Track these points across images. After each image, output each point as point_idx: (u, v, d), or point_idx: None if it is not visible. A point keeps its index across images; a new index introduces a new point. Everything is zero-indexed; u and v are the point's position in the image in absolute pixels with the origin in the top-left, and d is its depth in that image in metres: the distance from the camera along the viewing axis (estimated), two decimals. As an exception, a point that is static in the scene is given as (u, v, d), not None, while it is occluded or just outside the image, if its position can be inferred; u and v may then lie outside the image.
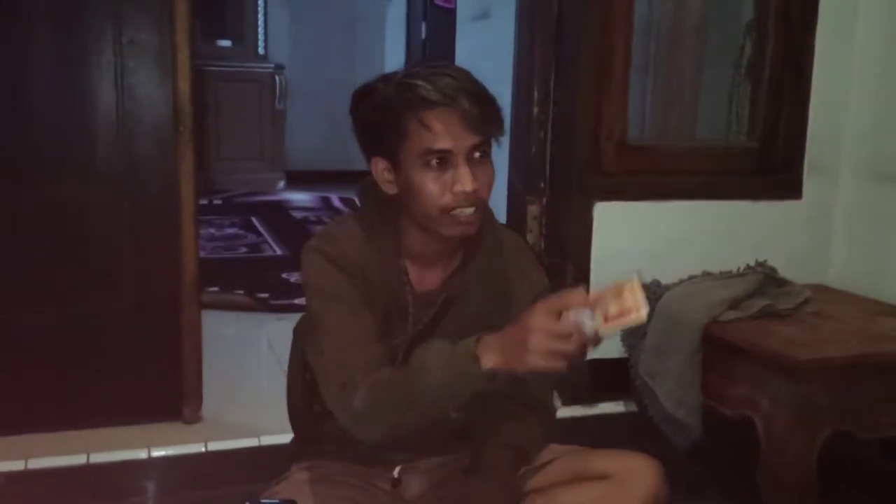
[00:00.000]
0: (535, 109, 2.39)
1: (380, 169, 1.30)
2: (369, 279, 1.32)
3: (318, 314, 1.31)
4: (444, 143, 1.22)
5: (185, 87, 2.09)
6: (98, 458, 2.02)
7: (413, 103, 1.22)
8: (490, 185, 1.28)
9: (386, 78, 1.28)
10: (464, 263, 1.38)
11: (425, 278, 1.37)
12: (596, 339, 1.13)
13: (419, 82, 1.23)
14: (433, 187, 1.24)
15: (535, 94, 2.39)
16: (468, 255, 1.38)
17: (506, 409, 1.42)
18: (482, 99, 1.24)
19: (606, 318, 1.11)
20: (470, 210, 1.26)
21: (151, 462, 2.05)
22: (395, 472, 1.43)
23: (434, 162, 1.23)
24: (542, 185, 2.42)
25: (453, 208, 1.25)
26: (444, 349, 1.22)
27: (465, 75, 1.26)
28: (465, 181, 1.23)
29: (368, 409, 1.23)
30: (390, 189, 1.30)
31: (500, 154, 2.57)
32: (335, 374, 1.26)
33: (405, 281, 1.34)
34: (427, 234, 1.31)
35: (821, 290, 2.39)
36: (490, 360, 1.17)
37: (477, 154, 1.25)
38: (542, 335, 1.11)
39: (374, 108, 1.27)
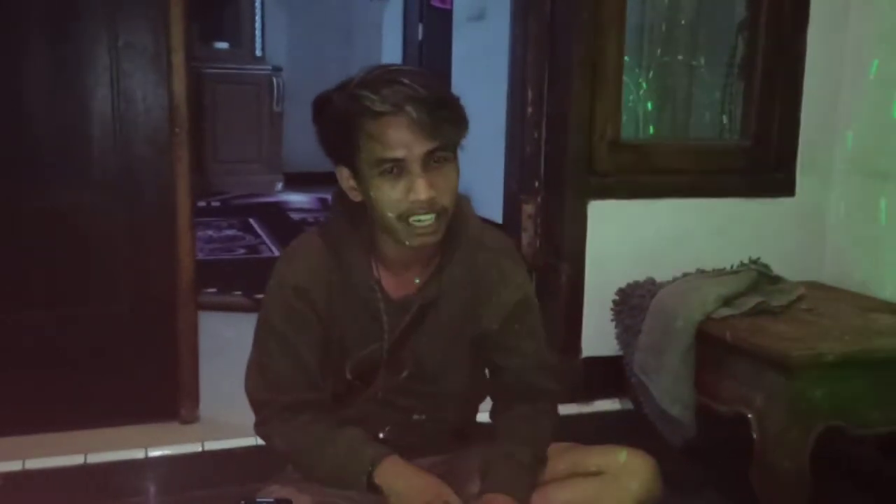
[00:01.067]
0: (530, 109, 2.40)
1: (344, 177, 1.30)
2: (331, 295, 1.34)
3: (259, 334, 1.41)
4: (395, 153, 1.21)
5: (180, 88, 2.09)
6: (95, 458, 2.02)
7: (362, 114, 1.21)
8: (452, 190, 1.26)
9: (341, 86, 1.27)
10: (440, 268, 1.36)
11: (401, 284, 1.36)
12: None
13: (366, 93, 1.21)
14: (390, 195, 1.23)
15: (529, 94, 2.39)
16: (445, 259, 1.36)
17: (515, 414, 1.44)
18: (433, 105, 1.21)
19: None
20: (428, 218, 1.24)
21: (148, 462, 2.05)
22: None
23: (389, 171, 1.22)
24: (536, 184, 2.43)
25: (411, 216, 1.24)
26: (354, 446, 1.32)
27: (420, 80, 1.22)
28: (418, 189, 1.21)
29: (286, 454, 1.40)
30: (356, 197, 1.30)
31: (496, 154, 2.59)
32: (258, 406, 1.40)
33: (376, 289, 1.34)
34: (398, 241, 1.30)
35: (814, 286, 2.40)
36: (386, 479, 1.27)
37: (434, 160, 1.23)
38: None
39: (329, 119, 1.27)
